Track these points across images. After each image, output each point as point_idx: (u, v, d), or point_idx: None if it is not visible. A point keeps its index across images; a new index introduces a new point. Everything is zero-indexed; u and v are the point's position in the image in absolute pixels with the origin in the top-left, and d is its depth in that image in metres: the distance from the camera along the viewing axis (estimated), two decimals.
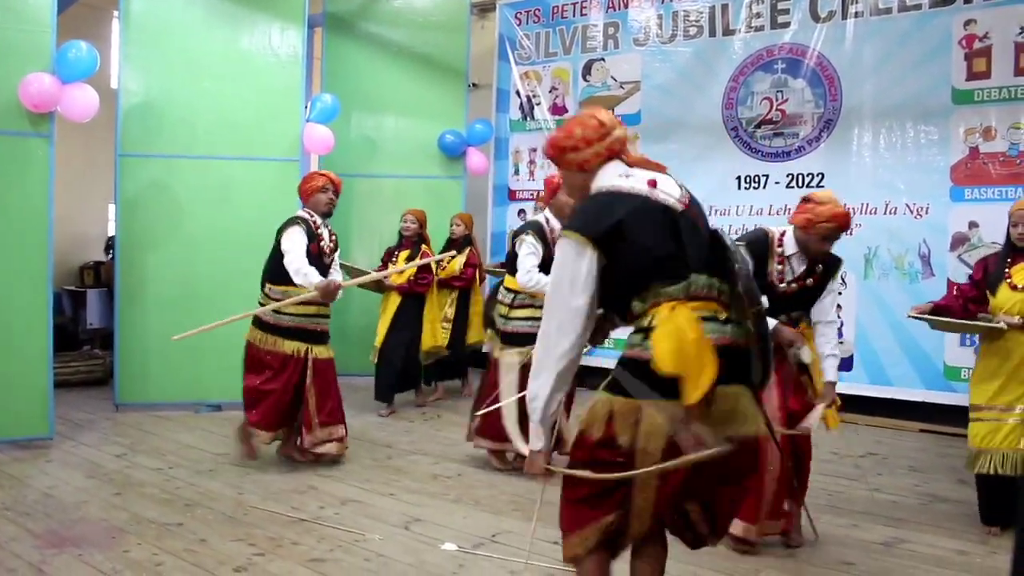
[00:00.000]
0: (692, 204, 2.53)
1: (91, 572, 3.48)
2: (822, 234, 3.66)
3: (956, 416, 6.09)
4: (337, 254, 5.27)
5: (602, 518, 2.40)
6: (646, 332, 2.36)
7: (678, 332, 2.27)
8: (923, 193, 6.50)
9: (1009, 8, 6.16)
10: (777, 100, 7.16)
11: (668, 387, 2.27)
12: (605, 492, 2.40)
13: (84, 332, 9.12)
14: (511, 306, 5.12)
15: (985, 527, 4.15)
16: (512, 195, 8.81)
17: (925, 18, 6.49)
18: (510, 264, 5.10)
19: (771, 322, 3.51)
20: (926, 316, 4.28)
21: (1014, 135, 6.15)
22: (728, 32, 7.43)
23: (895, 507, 4.59)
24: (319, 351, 5.11)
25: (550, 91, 8.49)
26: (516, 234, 5.08)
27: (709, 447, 2.26)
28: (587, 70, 8.27)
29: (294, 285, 4.86)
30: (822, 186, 6.76)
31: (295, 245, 4.87)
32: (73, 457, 5.29)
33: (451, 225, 7.45)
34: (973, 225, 6.29)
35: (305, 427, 5.05)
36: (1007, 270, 4.09)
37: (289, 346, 5.04)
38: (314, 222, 5.05)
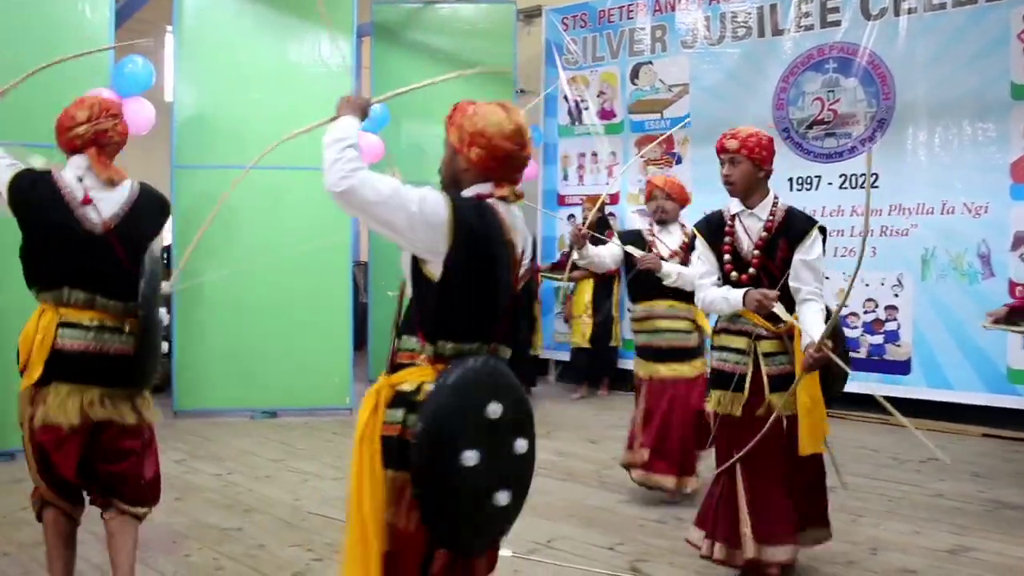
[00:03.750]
0: (115, 231, 2.93)
1: (154, 575, 3.56)
2: None
3: (1021, 420, 5.96)
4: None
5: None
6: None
7: (30, 331, 2.89)
8: (982, 192, 6.33)
9: None
10: (829, 100, 7.04)
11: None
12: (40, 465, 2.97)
13: None
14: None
15: None
16: (561, 200, 8.81)
17: (981, 12, 6.34)
18: None
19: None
20: (1006, 327, 4.18)
21: None
22: (777, 32, 7.34)
23: (959, 513, 4.47)
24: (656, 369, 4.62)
25: (598, 95, 8.47)
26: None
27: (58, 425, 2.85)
28: (635, 74, 8.23)
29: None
30: (876, 187, 6.61)
31: None
32: None
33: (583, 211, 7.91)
34: None
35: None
36: None
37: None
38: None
